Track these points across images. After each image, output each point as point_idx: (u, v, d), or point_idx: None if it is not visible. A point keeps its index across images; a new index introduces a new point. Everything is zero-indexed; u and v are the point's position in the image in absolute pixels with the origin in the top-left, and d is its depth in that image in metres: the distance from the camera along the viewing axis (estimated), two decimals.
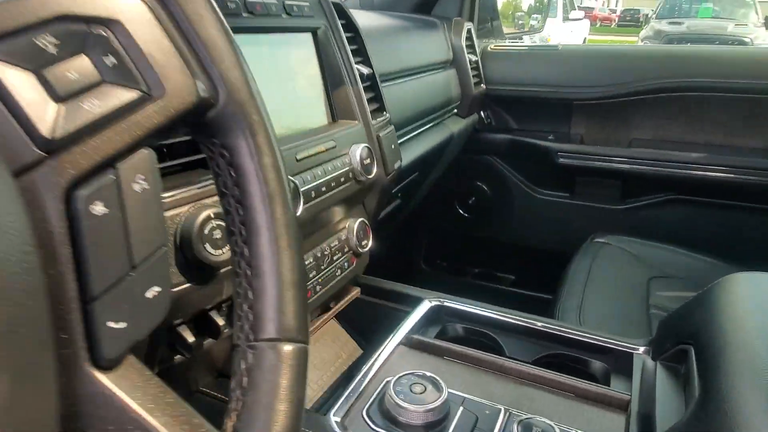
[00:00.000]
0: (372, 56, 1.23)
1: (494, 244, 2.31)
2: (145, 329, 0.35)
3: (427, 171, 1.85)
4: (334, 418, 0.82)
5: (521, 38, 2.85)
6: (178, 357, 0.77)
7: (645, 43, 11.00)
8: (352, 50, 1.13)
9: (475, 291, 2.31)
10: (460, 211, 2.32)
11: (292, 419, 0.38)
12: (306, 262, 0.97)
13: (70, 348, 0.29)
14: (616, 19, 25.89)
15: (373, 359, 0.97)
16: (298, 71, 1.01)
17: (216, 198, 0.71)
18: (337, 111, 1.08)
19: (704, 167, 1.88)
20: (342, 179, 0.99)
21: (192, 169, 0.72)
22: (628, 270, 1.63)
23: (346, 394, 0.89)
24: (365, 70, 1.17)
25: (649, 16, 15.94)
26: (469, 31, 1.99)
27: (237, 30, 0.65)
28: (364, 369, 0.95)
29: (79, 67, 0.29)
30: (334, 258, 1.05)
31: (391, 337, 1.04)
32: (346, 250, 1.09)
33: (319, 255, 1.00)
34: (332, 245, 1.04)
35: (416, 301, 1.16)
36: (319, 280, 1.00)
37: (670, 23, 11.59)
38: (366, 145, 1.05)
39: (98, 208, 0.30)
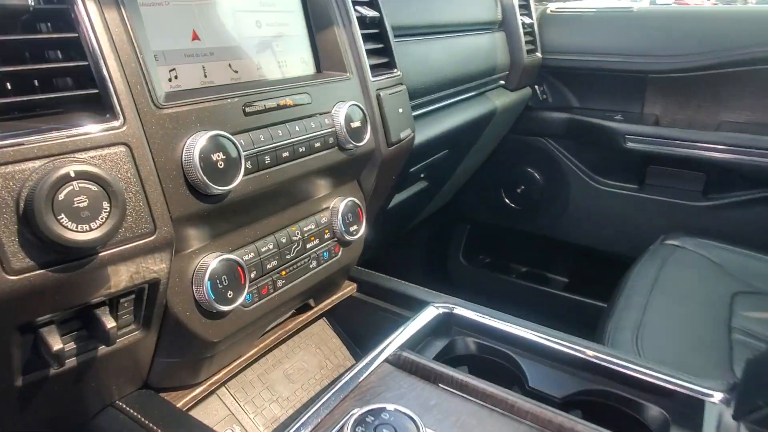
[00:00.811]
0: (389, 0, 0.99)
1: (544, 241, 2.03)
2: None
3: (462, 150, 1.59)
4: None
5: None
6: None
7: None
8: None
9: (520, 292, 2.03)
10: (506, 201, 2.04)
11: None
12: (263, 249, 0.75)
13: None
14: None
15: (345, 379, 0.74)
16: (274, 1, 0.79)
17: (87, 154, 0.50)
18: (322, 59, 0.85)
19: None
20: (317, 144, 0.77)
21: (49, 113, 0.52)
22: (707, 281, 1.31)
23: (299, 424, 0.67)
24: (369, 13, 0.93)
25: None
26: None
27: None
28: (332, 391, 0.72)
29: None
30: (307, 246, 0.83)
31: (379, 350, 0.81)
32: (327, 236, 0.87)
33: (283, 240, 0.78)
34: (305, 229, 0.82)
35: (420, 306, 0.92)
36: (281, 273, 0.78)
37: None
38: (355, 103, 0.82)
39: None
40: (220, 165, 0.61)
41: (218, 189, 0.61)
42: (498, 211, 2.07)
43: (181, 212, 0.60)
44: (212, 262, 0.66)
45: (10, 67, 0.49)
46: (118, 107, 0.54)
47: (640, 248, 1.51)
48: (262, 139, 0.68)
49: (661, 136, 1.70)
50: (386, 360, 0.79)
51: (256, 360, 0.90)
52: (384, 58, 0.98)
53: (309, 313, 0.95)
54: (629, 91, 1.79)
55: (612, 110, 1.83)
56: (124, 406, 0.70)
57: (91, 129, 0.52)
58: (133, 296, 0.60)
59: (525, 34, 1.69)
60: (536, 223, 2.03)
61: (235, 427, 0.83)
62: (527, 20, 1.71)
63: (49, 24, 0.54)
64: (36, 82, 0.53)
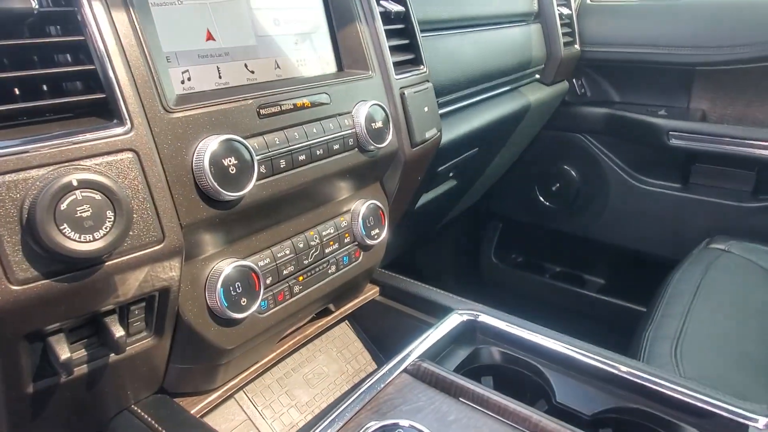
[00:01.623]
0: None
1: (580, 241, 1.95)
2: None
3: (493, 148, 1.54)
4: None
5: None
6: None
7: None
8: None
9: (553, 293, 1.97)
10: (541, 199, 1.97)
11: None
12: (280, 254, 0.73)
13: None
14: None
15: (362, 389, 0.72)
16: None
17: (92, 161, 0.49)
18: (344, 57, 0.82)
19: None
20: (336, 146, 0.74)
21: (57, 117, 0.51)
22: (755, 289, 1.23)
23: None
24: (394, 7, 0.90)
25: None
26: None
27: None
28: (348, 402, 0.70)
29: None
30: (326, 251, 0.80)
31: (398, 359, 0.78)
32: (347, 240, 0.84)
33: (301, 245, 0.76)
34: (324, 233, 0.80)
35: (444, 312, 0.89)
36: (298, 278, 0.76)
37: None
38: (377, 103, 0.79)
39: None
40: (232, 170, 0.59)
41: (230, 195, 0.59)
42: (532, 209, 2.01)
43: (192, 219, 0.58)
44: (225, 268, 0.65)
45: (14, 73, 0.48)
46: (125, 112, 0.53)
47: (682, 251, 1.43)
48: (277, 142, 0.66)
49: (709, 132, 1.60)
50: (405, 370, 0.76)
51: (275, 364, 0.89)
52: (410, 54, 0.94)
53: (329, 317, 0.93)
54: (674, 85, 1.70)
55: (655, 105, 1.74)
56: (139, 410, 0.69)
57: (98, 135, 0.51)
58: (143, 303, 0.59)
59: (562, 25, 1.62)
60: (572, 222, 1.95)
61: None
62: (565, 11, 1.64)
63: (58, 27, 0.53)
64: (44, 87, 0.52)
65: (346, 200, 0.85)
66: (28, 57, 0.51)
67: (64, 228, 0.46)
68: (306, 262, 0.77)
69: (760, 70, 1.54)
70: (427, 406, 0.70)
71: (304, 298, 0.79)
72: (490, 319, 0.87)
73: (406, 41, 0.94)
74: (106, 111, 0.53)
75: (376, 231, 0.87)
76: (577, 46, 1.71)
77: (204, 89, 0.64)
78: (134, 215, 0.52)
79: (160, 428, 0.67)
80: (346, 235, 0.84)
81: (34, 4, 0.48)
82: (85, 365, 0.57)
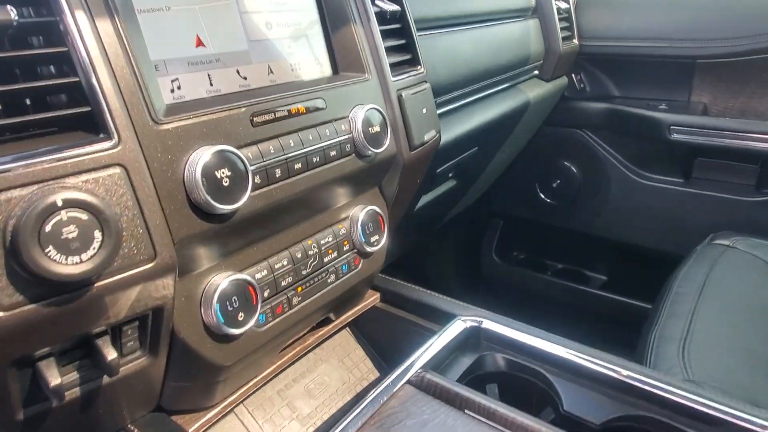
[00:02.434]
0: None
1: (582, 238, 1.93)
2: None
3: (493, 147, 1.51)
4: None
5: None
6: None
7: None
8: None
9: (556, 290, 1.95)
10: (542, 196, 1.95)
11: None
12: (277, 265, 0.71)
13: None
14: None
15: (365, 403, 0.70)
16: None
17: (78, 178, 0.47)
18: (339, 60, 0.80)
19: None
20: (333, 153, 0.72)
21: (39, 133, 0.48)
22: (762, 287, 1.21)
23: None
24: (389, 7, 0.87)
25: None
26: None
27: None
28: (351, 417, 0.68)
29: None
30: (325, 260, 0.78)
31: (401, 370, 0.76)
32: (346, 248, 0.82)
33: (299, 255, 0.74)
34: (322, 242, 0.78)
35: (447, 318, 0.87)
36: (297, 290, 0.74)
37: None
38: (374, 106, 0.77)
39: None
40: (225, 182, 0.57)
41: (223, 208, 0.57)
42: (532, 206, 1.98)
43: (185, 235, 0.56)
44: (221, 283, 0.62)
45: None
46: (111, 125, 0.50)
47: (686, 248, 1.40)
48: (272, 150, 0.64)
49: (711, 126, 1.58)
50: (409, 382, 0.74)
51: (276, 375, 0.87)
52: (407, 54, 0.92)
53: (330, 326, 0.91)
54: (675, 78, 1.67)
55: (656, 99, 1.71)
56: (136, 431, 0.67)
57: (83, 150, 0.48)
58: (136, 323, 0.56)
59: (560, 20, 1.59)
60: (573, 218, 1.93)
61: None
62: (563, 5, 1.61)
63: (40, 38, 0.51)
64: (27, 101, 0.50)
65: (344, 207, 0.82)
66: (9, 70, 0.49)
67: (50, 251, 0.44)
68: (304, 272, 0.75)
69: (762, 61, 1.51)
70: (432, 419, 0.68)
71: (304, 310, 0.76)
72: (494, 325, 0.85)
73: (403, 41, 0.92)
74: (92, 124, 0.51)
75: (376, 237, 0.85)
76: (575, 41, 1.68)
77: (194, 98, 0.61)
78: (124, 233, 0.50)
79: None
80: (345, 242, 0.82)
81: (13, 16, 0.46)
82: (77, 388, 0.55)
